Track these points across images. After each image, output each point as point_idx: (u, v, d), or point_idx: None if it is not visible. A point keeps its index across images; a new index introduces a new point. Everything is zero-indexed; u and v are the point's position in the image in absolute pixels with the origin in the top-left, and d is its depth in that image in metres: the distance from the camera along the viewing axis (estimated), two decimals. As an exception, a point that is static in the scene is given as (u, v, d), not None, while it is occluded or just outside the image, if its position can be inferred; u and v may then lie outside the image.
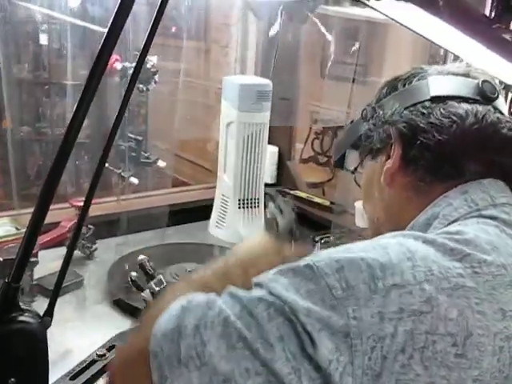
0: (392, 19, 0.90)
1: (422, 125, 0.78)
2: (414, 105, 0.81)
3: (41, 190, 0.73)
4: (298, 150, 2.84)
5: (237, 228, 1.87)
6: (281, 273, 0.63)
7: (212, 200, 1.98)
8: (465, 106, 0.79)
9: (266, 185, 2.01)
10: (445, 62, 1.81)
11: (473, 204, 0.74)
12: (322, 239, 1.85)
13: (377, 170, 0.85)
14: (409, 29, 0.92)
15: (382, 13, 0.88)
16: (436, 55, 1.91)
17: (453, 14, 0.81)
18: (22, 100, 3.47)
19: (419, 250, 0.63)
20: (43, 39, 3.19)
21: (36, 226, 0.74)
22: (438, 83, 0.82)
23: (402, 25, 0.92)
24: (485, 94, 0.80)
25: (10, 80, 1.83)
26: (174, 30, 2.21)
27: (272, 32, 1.90)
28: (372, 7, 0.86)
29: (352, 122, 0.96)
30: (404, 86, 0.85)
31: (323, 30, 2.04)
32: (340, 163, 1.01)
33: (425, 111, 0.79)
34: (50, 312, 0.81)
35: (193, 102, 2.06)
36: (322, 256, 0.63)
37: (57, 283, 0.82)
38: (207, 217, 1.98)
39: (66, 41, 2.16)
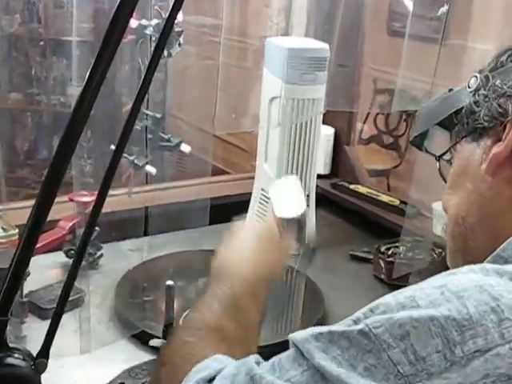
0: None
1: None
2: None
3: (36, 201, 0.71)
4: (359, 131, 2.79)
5: (280, 232, 1.84)
6: (330, 338, 0.62)
7: (249, 195, 1.96)
8: None
9: (319, 176, 1.98)
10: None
11: None
12: (388, 249, 1.81)
13: (476, 155, 0.81)
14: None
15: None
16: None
17: None
18: (10, 60, 3.48)
19: (504, 294, 0.60)
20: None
21: (29, 247, 0.73)
22: None
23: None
24: None
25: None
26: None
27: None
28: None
29: (450, 90, 0.91)
30: None
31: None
32: (420, 141, 0.97)
33: None
34: (44, 352, 0.79)
35: (225, 65, 2.03)
36: (380, 317, 0.60)
37: (54, 316, 0.80)
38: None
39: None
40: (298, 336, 0.64)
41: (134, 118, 0.88)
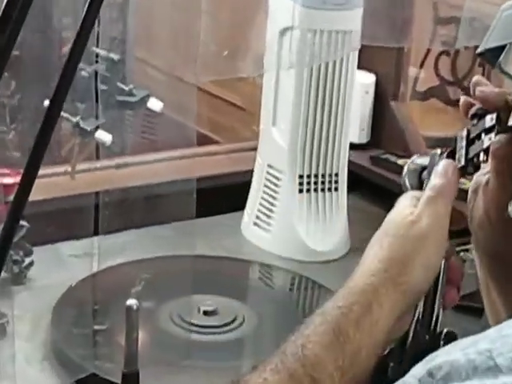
0: None
1: None
2: None
3: None
4: (412, 80, 2.79)
5: (295, 228, 1.86)
6: None
7: (248, 174, 1.98)
8: None
9: (352, 146, 2.00)
10: None
11: None
12: (461, 249, 1.81)
13: None
14: None
15: None
16: None
17: None
18: None
19: None
20: None
21: None
22: None
23: None
24: None
25: None
26: None
27: None
28: None
29: None
30: None
31: None
32: (491, 56, 0.95)
33: None
34: None
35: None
36: None
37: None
38: (239, 206, 1.98)
39: None
40: None
41: (78, 60, 0.89)
